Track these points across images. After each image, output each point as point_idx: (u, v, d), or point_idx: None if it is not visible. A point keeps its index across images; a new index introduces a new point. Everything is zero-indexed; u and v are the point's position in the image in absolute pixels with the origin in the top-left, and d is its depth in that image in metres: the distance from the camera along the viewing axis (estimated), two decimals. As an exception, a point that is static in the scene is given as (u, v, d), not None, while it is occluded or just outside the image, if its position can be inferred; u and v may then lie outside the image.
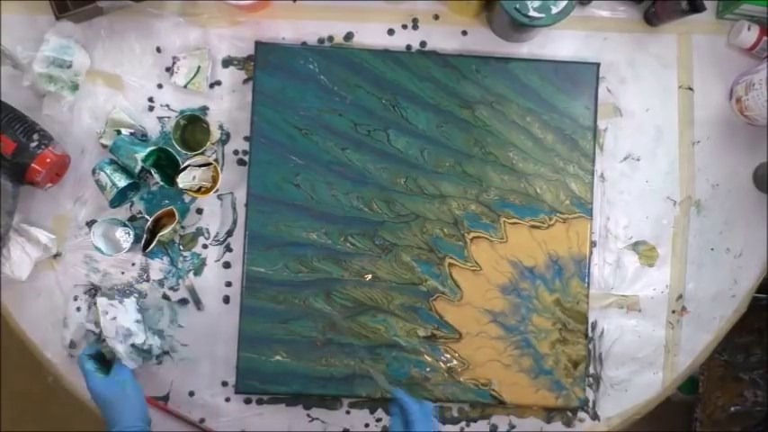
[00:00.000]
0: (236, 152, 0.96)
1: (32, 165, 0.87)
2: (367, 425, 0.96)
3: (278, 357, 0.93)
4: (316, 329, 0.93)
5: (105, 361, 0.87)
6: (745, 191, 1.00)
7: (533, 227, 0.95)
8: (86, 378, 0.83)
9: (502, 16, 0.88)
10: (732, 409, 1.31)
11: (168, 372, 0.94)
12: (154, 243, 0.90)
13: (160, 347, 0.92)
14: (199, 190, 0.92)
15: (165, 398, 0.94)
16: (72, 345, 0.93)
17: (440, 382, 0.94)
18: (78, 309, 0.94)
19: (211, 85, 0.96)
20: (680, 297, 0.99)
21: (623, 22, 0.99)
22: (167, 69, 0.95)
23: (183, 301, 0.95)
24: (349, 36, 0.97)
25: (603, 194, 0.98)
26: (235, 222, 0.95)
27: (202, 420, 0.95)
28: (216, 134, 0.95)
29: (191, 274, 0.95)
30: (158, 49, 0.95)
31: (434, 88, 0.95)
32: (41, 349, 0.94)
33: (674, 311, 0.99)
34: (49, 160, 0.88)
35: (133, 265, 0.94)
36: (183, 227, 0.95)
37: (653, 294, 0.98)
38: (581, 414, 0.97)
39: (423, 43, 0.97)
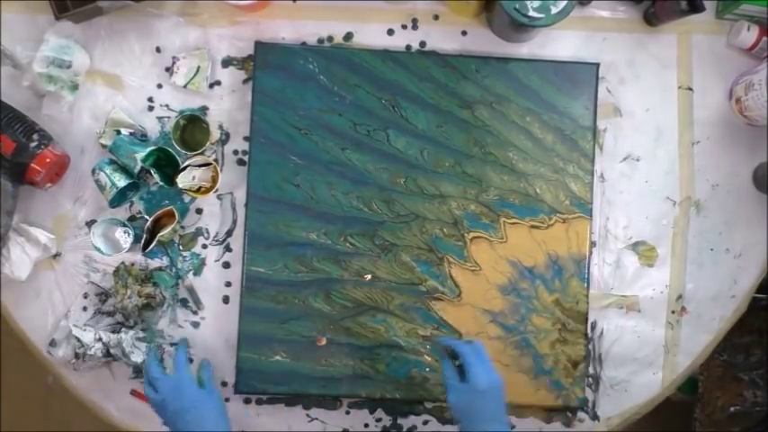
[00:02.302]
0: (235, 152, 0.96)
1: (32, 165, 0.87)
2: (367, 425, 0.96)
3: (278, 357, 0.93)
4: (315, 329, 0.93)
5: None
6: (745, 191, 1.00)
7: (533, 227, 0.95)
8: (186, 390, 0.82)
9: (502, 16, 0.88)
10: (732, 409, 1.31)
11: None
12: (153, 243, 0.90)
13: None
14: (198, 190, 0.92)
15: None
16: (53, 343, 0.92)
17: (439, 382, 0.94)
18: (84, 308, 0.94)
19: (211, 85, 0.96)
20: (679, 297, 0.99)
21: (623, 22, 0.99)
22: (167, 69, 0.95)
23: (183, 301, 0.95)
24: (349, 36, 0.97)
25: (603, 194, 0.98)
26: (234, 222, 0.95)
27: (202, 420, 0.95)
28: (215, 134, 0.95)
29: (190, 274, 0.95)
30: (158, 49, 0.95)
31: (434, 88, 0.95)
32: (41, 349, 0.94)
33: (673, 312, 0.99)
34: (48, 160, 0.88)
35: (132, 264, 0.94)
36: (182, 227, 0.95)
37: (652, 294, 0.98)
38: (581, 414, 0.97)
39: (422, 43, 0.97)
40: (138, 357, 0.90)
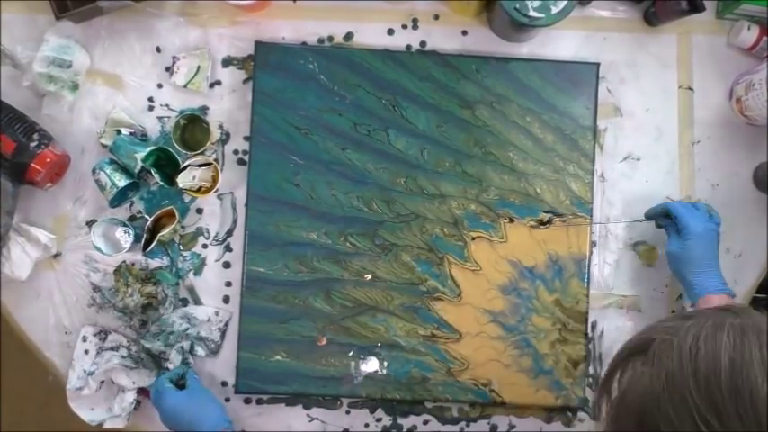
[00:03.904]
0: (236, 152, 0.96)
1: (32, 165, 0.87)
2: (367, 425, 0.96)
3: (278, 357, 0.93)
4: (316, 329, 0.93)
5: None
6: (745, 191, 1.00)
7: (533, 227, 0.95)
8: (167, 397, 0.85)
9: (502, 16, 0.88)
10: (732, 409, 1.31)
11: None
12: (154, 243, 0.90)
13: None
14: (199, 190, 0.92)
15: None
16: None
17: (439, 382, 0.94)
18: (86, 351, 0.93)
19: (211, 85, 0.96)
20: (680, 297, 0.99)
21: (623, 22, 0.99)
22: (167, 69, 0.95)
23: (183, 301, 0.95)
24: (349, 36, 0.97)
25: (603, 194, 0.98)
26: (235, 222, 0.95)
27: (202, 420, 0.95)
28: (216, 134, 0.95)
29: (191, 274, 0.95)
30: (158, 49, 0.95)
31: (434, 88, 0.95)
32: (41, 349, 0.94)
33: (673, 311, 0.99)
34: (48, 160, 0.88)
35: (133, 264, 0.94)
36: (183, 227, 0.95)
37: (653, 294, 0.98)
38: (581, 414, 0.97)
39: (423, 43, 0.97)
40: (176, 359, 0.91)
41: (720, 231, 0.88)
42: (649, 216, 0.94)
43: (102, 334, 0.93)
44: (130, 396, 0.91)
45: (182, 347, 0.91)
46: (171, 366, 0.91)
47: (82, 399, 0.91)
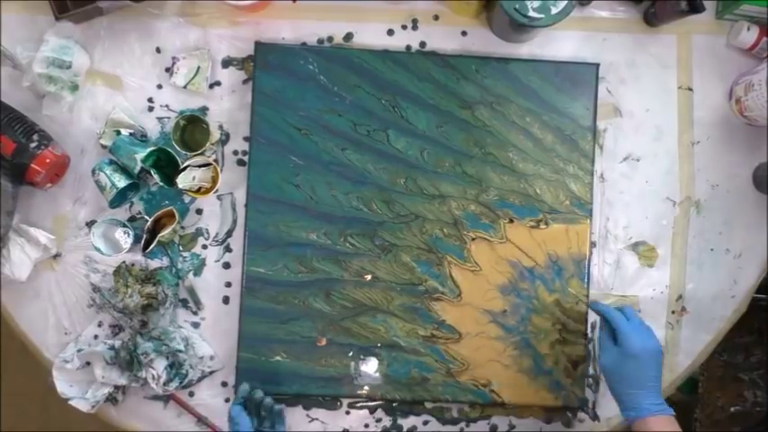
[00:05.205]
0: (235, 152, 0.96)
1: (32, 165, 0.87)
2: (367, 425, 0.96)
3: (278, 358, 0.93)
4: (315, 330, 0.93)
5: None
6: (744, 191, 1.00)
7: (533, 227, 0.95)
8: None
9: (502, 16, 0.88)
10: (732, 409, 1.31)
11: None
12: (154, 243, 0.90)
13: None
14: (198, 190, 0.92)
15: (166, 399, 0.94)
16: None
17: (439, 383, 0.94)
18: (96, 336, 0.94)
19: (211, 86, 0.96)
20: (680, 297, 0.99)
21: (623, 23, 0.99)
22: (167, 70, 0.95)
23: (183, 302, 0.95)
24: (349, 36, 0.97)
25: (603, 195, 0.98)
26: (234, 222, 0.95)
27: (202, 421, 0.95)
28: (215, 134, 0.95)
29: (190, 275, 0.95)
30: (158, 50, 0.95)
31: (434, 88, 0.95)
32: (41, 350, 0.94)
33: (673, 312, 0.99)
34: (48, 160, 0.88)
35: (133, 265, 0.94)
36: (182, 227, 0.95)
37: (652, 295, 0.98)
38: (581, 414, 0.97)
39: (422, 43, 0.97)
40: (159, 365, 0.90)
41: (656, 346, 0.81)
42: (594, 309, 0.87)
43: (117, 329, 0.94)
44: (106, 389, 0.91)
45: (167, 357, 0.91)
46: (153, 372, 0.90)
47: (64, 372, 0.91)
